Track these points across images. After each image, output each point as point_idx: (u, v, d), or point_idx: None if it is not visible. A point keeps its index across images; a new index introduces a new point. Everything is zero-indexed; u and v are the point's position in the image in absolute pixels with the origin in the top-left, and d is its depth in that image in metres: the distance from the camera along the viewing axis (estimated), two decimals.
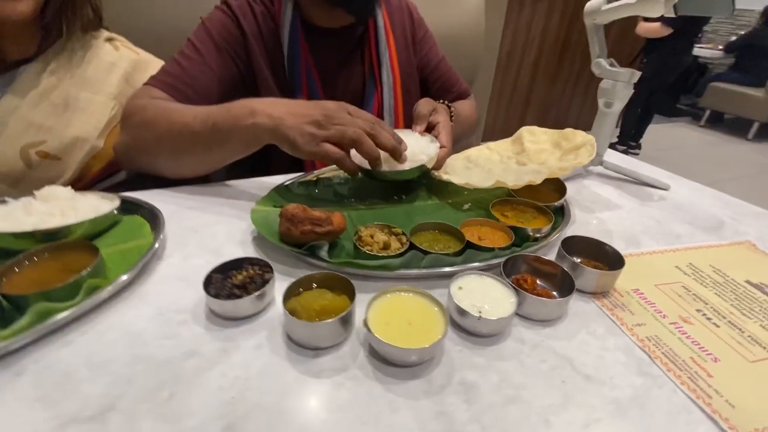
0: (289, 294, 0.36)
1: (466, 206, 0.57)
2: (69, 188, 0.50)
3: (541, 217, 0.52)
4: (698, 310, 0.42)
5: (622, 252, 0.45)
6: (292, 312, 0.34)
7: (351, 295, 0.36)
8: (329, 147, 0.51)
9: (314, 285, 0.37)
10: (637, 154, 3.34)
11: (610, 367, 0.35)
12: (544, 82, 3.39)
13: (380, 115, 0.78)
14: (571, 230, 0.53)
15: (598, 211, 0.62)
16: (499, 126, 3.40)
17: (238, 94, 0.71)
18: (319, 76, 0.74)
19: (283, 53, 0.72)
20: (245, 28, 0.70)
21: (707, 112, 4.29)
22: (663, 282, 0.45)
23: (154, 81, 0.64)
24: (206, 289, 0.36)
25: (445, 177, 0.59)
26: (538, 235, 0.49)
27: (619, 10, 0.59)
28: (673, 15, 0.55)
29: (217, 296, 0.36)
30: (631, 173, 0.72)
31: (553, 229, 0.50)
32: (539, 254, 0.47)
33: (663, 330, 0.39)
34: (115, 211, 0.48)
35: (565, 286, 0.41)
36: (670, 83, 3.15)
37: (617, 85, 0.63)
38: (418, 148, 0.58)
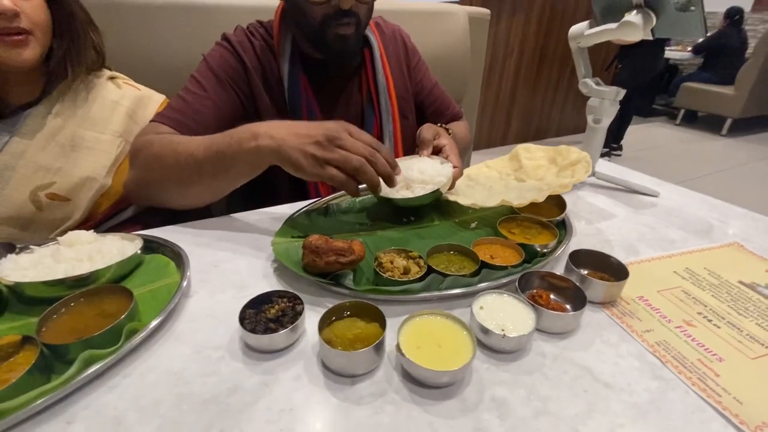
0: (323, 324, 0.38)
1: (473, 224, 0.60)
2: (92, 232, 0.51)
3: (546, 232, 0.55)
4: (699, 313, 0.45)
5: (624, 261, 0.48)
6: (328, 341, 0.36)
7: (380, 321, 0.38)
8: (333, 171, 0.51)
9: (346, 313, 0.39)
10: (619, 155, 3.45)
11: (626, 374, 0.37)
12: (526, 91, 3.49)
13: (380, 140, 0.81)
14: (574, 242, 0.56)
15: (595, 221, 0.65)
16: (485, 136, 3.48)
17: (241, 125, 0.74)
18: (319, 105, 0.77)
19: (283, 85, 0.75)
20: (246, 61, 0.73)
21: (682, 111, 4.45)
22: (664, 288, 0.49)
23: (160, 117, 0.67)
24: (242, 324, 0.38)
25: (451, 198, 0.62)
26: (546, 250, 0.51)
27: (601, 34, 0.64)
28: (650, 38, 0.60)
29: (253, 331, 0.38)
30: (622, 182, 0.76)
31: (558, 243, 0.53)
32: (548, 268, 0.50)
33: (670, 334, 0.42)
34: (139, 251, 0.50)
35: (576, 298, 0.43)
36: (645, 85, 3.28)
37: (604, 102, 0.68)
38: (434, 171, 0.61)
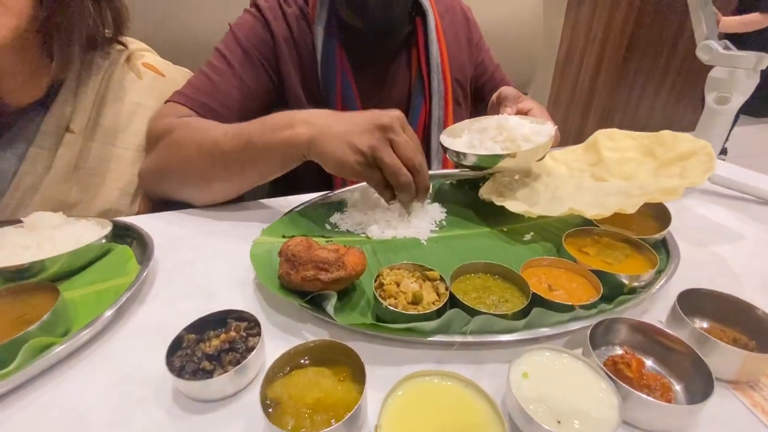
0: (274, 374, 0.25)
1: (527, 236, 0.44)
2: (60, 214, 0.44)
3: (638, 256, 0.38)
4: None
5: (764, 306, 0.30)
6: (276, 402, 0.24)
7: (359, 374, 0.25)
8: (378, 175, 0.43)
9: (306, 361, 0.27)
10: (722, 160, 2.92)
11: None
12: (608, 84, 3.09)
13: (427, 130, 0.68)
14: (680, 275, 0.38)
15: (710, 243, 0.46)
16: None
17: (270, 105, 0.64)
18: (357, 83, 0.65)
19: (316, 58, 0.63)
20: (275, 30, 0.62)
21: None
22: None
23: (180, 97, 0.57)
24: (170, 359, 0.27)
25: (498, 201, 0.46)
26: (638, 285, 0.34)
27: None
28: None
29: (182, 371, 0.26)
30: (751, 190, 0.54)
31: (658, 274, 0.36)
32: (637, 313, 0.33)
33: None
34: (104, 240, 0.42)
35: (690, 369, 0.27)
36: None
37: (737, 73, 0.47)
38: (528, 129, 0.49)
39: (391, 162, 0.42)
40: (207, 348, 0.27)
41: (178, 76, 0.66)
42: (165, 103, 0.58)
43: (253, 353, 0.27)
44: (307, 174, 0.68)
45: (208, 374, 0.26)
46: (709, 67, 0.50)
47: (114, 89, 0.56)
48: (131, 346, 0.32)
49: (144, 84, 0.60)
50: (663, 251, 0.40)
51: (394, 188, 0.44)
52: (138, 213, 0.56)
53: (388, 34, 0.64)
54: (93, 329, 0.32)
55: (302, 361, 0.27)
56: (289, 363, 0.26)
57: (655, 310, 0.35)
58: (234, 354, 0.28)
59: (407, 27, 0.66)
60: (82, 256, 0.40)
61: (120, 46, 0.60)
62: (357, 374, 0.26)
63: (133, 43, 0.63)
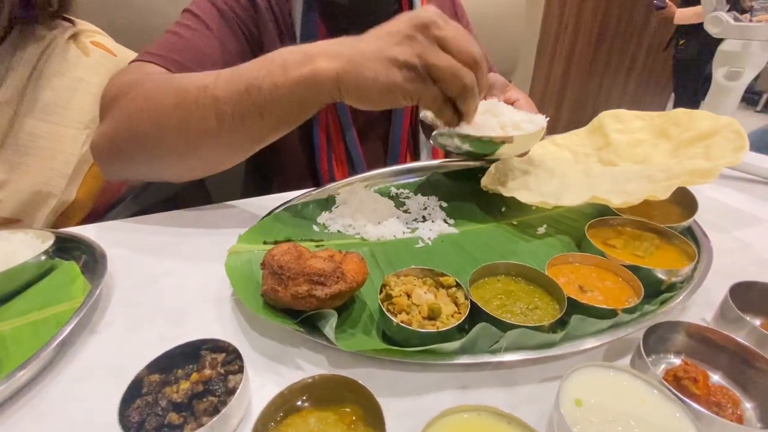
0: (265, 425, 0.20)
1: (540, 229, 0.39)
2: None
3: (668, 247, 0.34)
4: None
5: None
6: None
7: (372, 416, 0.20)
8: (435, 90, 0.35)
9: (305, 402, 0.21)
10: None
11: None
12: (579, 74, 3.13)
13: (415, 120, 0.62)
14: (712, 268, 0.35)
15: (731, 228, 0.43)
16: None
17: None
18: None
19: (294, 34, 0.56)
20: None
21: (765, 96, 3.87)
22: None
23: (146, 56, 0.47)
24: (126, 411, 0.21)
25: (506, 192, 0.42)
26: (676, 280, 0.30)
27: None
28: None
29: (141, 428, 0.20)
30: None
31: (695, 267, 0.32)
32: (683, 315, 0.29)
33: None
34: (44, 257, 0.34)
35: (754, 377, 0.23)
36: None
37: (751, 46, 0.44)
38: (519, 117, 0.43)
39: (448, 64, 0.34)
40: (174, 394, 0.21)
41: (133, 57, 0.57)
42: (129, 63, 0.47)
43: (234, 397, 0.21)
44: (287, 167, 0.61)
45: (177, 431, 0.20)
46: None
47: (55, 63, 0.51)
48: (78, 391, 0.26)
49: (90, 60, 0.53)
50: (690, 240, 0.36)
51: (457, 97, 0.36)
52: (77, 199, 0.50)
53: (373, 12, 0.58)
54: (28, 371, 0.25)
55: (299, 402, 0.21)
56: (282, 407, 0.20)
57: (694, 307, 0.31)
58: (210, 399, 0.21)
59: (393, 5, 0.61)
60: (15, 279, 0.32)
61: (67, 23, 0.53)
62: (370, 415, 0.20)
63: (85, 25, 0.56)
